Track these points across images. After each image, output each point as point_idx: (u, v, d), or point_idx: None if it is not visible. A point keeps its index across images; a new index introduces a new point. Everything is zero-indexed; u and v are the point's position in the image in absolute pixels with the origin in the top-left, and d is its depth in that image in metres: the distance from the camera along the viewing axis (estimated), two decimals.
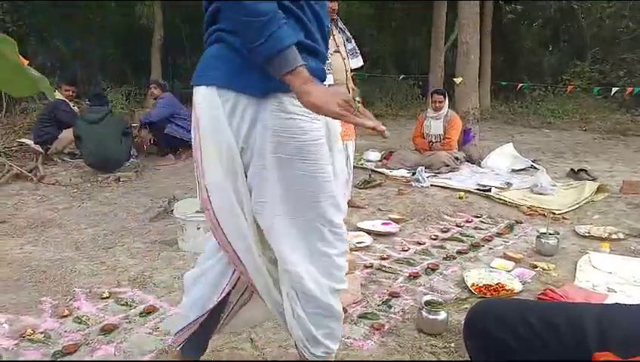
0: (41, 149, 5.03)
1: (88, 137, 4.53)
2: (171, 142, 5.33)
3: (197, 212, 2.91)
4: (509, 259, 2.71)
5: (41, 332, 1.94)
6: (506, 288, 2.30)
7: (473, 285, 2.35)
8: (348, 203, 3.65)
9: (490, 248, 2.97)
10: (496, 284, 2.34)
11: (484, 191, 4.24)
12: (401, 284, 2.45)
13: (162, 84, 5.67)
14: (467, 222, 3.50)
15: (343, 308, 2.04)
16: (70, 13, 9.44)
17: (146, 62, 9.78)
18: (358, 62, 3.38)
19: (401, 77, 11.03)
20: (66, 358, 1.78)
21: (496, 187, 4.36)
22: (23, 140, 5.40)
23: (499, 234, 3.21)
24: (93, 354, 1.81)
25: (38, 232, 3.16)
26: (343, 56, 3.25)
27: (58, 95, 5.24)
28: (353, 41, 3.38)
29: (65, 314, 2.08)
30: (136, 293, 2.31)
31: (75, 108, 5.42)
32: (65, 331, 1.97)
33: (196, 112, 1.23)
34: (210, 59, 1.24)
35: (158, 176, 4.80)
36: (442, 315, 1.94)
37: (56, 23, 9.01)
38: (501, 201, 3.97)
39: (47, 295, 2.28)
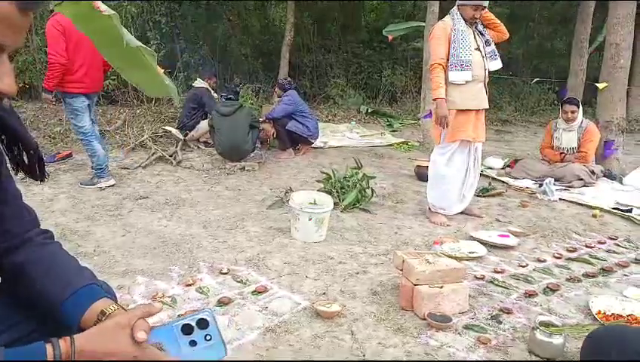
0: (181, 136, 5.65)
1: (220, 128, 4.96)
2: (292, 137, 5.58)
3: (310, 204, 3.04)
4: None
5: (169, 297, 2.20)
6: None
7: (599, 313, 2.11)
8: (463, 211, 3.56)
9: (625, 275, 2.65)
10: (628, 316, 2.08)
11: (623, 211, 3.77)
12: (515, 301, 2.29)
13: (287, 82, 5.94)
14: (599, 243, 3.15)
15: (447, 317, 2.00)
16: (215, 17, 10.43)
17: (275, 61, 10.37)
18: (497, 64, 3.39)
19: (534, 80, 10.17)
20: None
21: (639, 208, 3.84)
22: (167, 127, 6.11)
23: (638, 261, 2.83)
24: None
25: (173, 209, 3.56)
26: (483, 55, 3.31)
27: (200, 83, 5.88)
28: (493, 44, 3.39)
29: (189, 283, 2.34)
30: (251, 273, 2.50)
31: (215, 96, 5.99)
32: (188, 298, 2.21)
33: None
34: None
35: (277, 168, 5.08)
36: (559, 339, 1.77)
37: (203, 25, 10.02)
38: None
39: (176, 264, 2.57)
